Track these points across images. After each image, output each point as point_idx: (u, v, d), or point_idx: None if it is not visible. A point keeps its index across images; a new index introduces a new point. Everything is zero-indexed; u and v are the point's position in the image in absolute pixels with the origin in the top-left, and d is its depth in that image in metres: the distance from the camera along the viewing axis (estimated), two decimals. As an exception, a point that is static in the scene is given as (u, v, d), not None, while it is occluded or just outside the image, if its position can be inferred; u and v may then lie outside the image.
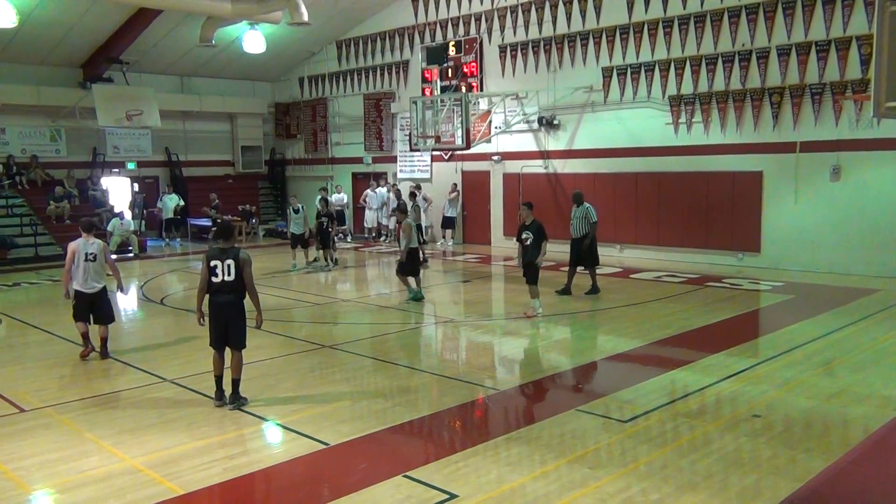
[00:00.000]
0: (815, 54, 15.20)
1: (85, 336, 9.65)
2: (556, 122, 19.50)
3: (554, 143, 19.81)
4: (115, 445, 6.54)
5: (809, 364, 8.88)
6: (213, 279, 7.44)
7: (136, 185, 25.11)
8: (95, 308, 9.61)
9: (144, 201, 24.23)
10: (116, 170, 24.70)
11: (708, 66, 16.74)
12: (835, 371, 8.68)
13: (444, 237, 21.70)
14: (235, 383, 7.57)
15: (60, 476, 5.95)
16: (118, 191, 24.50)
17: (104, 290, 9.66)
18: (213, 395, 7.66)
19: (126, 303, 14.33)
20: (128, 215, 22.25)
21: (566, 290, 13.52)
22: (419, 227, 18.82)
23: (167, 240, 23.90)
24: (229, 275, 7.43)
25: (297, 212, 17.63)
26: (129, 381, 8.68)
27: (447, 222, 21.61)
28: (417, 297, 13.27)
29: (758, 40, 15.96)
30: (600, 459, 6.07)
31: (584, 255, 13.57)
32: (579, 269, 13.67)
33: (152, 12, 20.28)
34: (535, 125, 19.85)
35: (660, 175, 17.78)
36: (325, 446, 6.46)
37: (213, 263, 7.44)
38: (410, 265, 13.29)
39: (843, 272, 15.09)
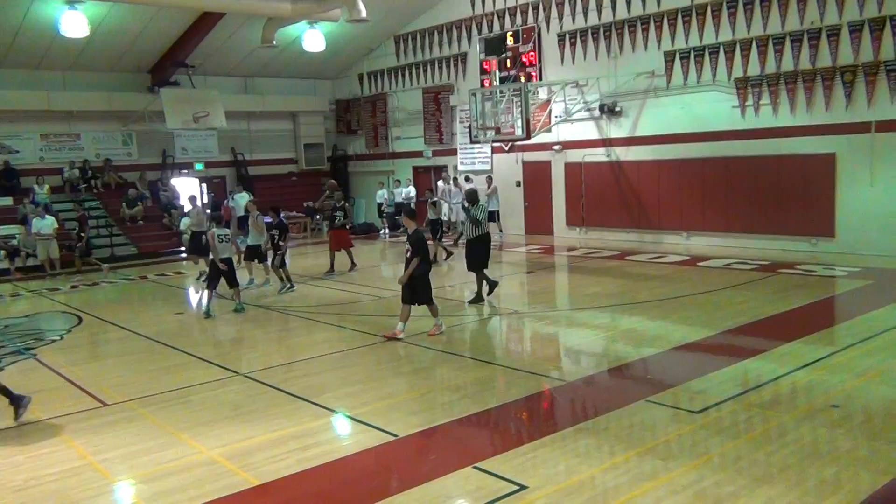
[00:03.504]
0: (889, 29, 14.55)
1: None
2: (617, 108, 19.20)
3: (616, 130, 19.51)
4: (192, 437, 6.76)
5: (891, 352, 8.53)
6: None
7: (204, 187, 25.79)
8: None
9: (213, 202, 24.90)
10: (185, 171, 25.42)
11: (775, 46, 16.21)
12: (918, 359, 8.33)
13: (500, 231, 21.51)
14: None
15: (142, 467, 6.18)
16: (187, 191, 25.18)
17: None
18: None
19: (198, 299, 14.73)
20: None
21: (489, 291, 12.42)
22: (440, 221, 18.01)
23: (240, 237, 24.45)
24: None
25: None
26: (204, 375, 8.95)
27: (490, 217, 21.23)
28: (238, 309, 12.60)
29: (828, 17, 15.37)
30: (671, 451, 5.97)
31: (477, 257, 12.38)
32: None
33: (215, 16, 20.80)
34: (597, 113, 19.58)
35: (727, 160, 17.33)
36: (394, 438, 6.54)
37: None
38: (215, 277, 12.55)
39: (924, 256, 14.48)
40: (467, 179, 21.52)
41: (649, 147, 18.80)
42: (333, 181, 19.59)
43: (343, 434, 7.01)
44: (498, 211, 21.28)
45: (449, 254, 17.53)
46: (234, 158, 26.44)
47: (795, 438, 6.12)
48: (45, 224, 18.35)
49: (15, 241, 18.74)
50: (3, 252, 18.57)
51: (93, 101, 22.79)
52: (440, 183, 22.49)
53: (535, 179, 21.76)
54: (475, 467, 5.77)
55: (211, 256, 12.74)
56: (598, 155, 19.94)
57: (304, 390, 8.02)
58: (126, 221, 21.88)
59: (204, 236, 15.51)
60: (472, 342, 10.47)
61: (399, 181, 24.73)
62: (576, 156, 20.47)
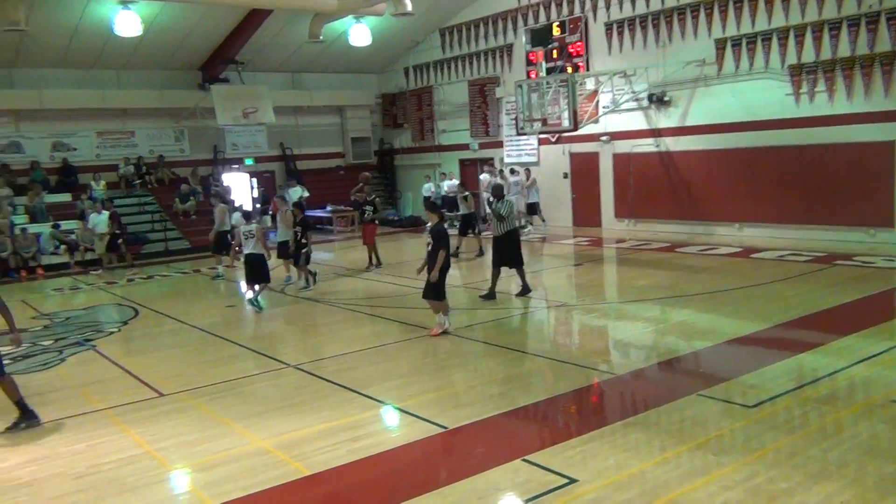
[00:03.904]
0: (954, 11, 14.04)
1: None
2: (666, 98, 18.88)
3: (665, 120, 19.20)
4: (245, 428, 6.89)
5: (954, 346, 8.26)
6: None
7: (254, 181, 26.21)
8: None
9: (263, 196, 25.29)
10: (236, 166, 25.88)
11: (831, 32, 15.74)
12: (984, 353, 8.02)
13: (542, 221, 21.37)
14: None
15: (197, 456, 6.33)
16: (238, 186, 25.66)
17: None
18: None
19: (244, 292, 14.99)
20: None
21: (491, 295, 12.12)
22: (473, 215, 17.55)
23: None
24: None
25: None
26: (254, 366, 9.12)
27: (531, 208, 21.17)
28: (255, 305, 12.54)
29: (888, 0, 14.87)
30: (724, 446, 5.87)
31: (508, 255, 12.10)
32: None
33: (263, 13, 21.08)
34: (645, 103, 19.30)
35: (780, 149, 16.90)
36: (442, 430, 6.57)
37: None
38: (249, 272, 12.77)
39: None
40: (513, 172, 21.42)
41: (700, 137, 18.45)
42: (367, 173, 19.44)
43: (392, 426, 7.06)
44: (538, 202, 21.15)
45: (454, 255, 16.68)
46: (282, 153, 26.79)
47: (853, 435, 5.96)
48: (102, 220, 18.86)
49: (74, 236, 19.33)
50: (63, 246, 19.16)
51: (146, 99, 23.36)
52: (484, 175, 22.43)
53: (583, 171, 21.55)
54: (524, 460, 5.76)
55: (244, 251, 12.75)
56: (646, 145, 19.65)
57: (352, 382, 8.10)
58: (179, 216, 22.37)
59: (229, 235, 15.95)
60: (519, 334, 10.45)
61: (444, 174, 24.77)
62: (624, 146, 20.21)
